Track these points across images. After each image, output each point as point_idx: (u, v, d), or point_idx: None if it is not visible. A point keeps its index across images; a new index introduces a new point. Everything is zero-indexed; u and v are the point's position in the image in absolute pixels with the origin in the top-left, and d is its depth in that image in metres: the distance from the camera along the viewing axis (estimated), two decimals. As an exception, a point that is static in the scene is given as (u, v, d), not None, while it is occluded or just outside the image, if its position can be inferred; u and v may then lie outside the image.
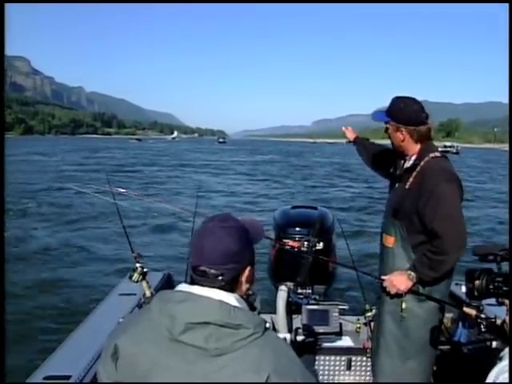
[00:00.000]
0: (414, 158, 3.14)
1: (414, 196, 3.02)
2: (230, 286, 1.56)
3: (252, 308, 1.61)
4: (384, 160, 3.57)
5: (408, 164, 3.18)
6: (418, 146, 3.13)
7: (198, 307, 1.46)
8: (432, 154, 3.08)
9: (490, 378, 1.48)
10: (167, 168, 43.03)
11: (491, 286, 1.89)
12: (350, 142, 4.00)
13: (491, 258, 1.97)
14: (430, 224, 2.94)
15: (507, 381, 1.41)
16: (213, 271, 1.53)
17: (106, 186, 4.01)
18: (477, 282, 1.93)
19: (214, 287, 1.53)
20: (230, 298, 1.52)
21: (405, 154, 3.20)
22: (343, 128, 4.10)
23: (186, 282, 1.62)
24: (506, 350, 1.54)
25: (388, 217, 3.28)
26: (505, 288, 1.81)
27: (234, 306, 1.49)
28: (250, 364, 1.42)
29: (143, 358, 1.47)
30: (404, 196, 3.10)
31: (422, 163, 3.06)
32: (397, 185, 3.26)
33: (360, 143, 3.93)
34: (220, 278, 1.53)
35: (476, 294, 1.96)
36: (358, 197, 24.94)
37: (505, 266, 1.95)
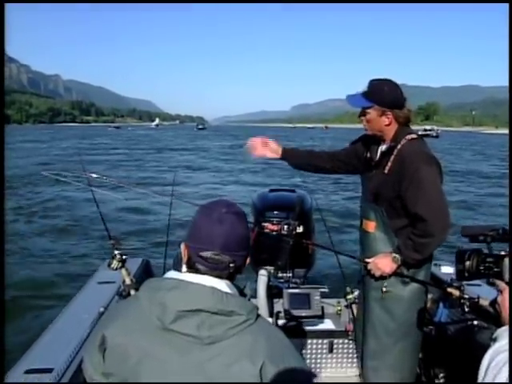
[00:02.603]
0: (388, 141, 3.08)
1: (393, 180, 2.97)
2: (237, 273, 1.56)
3: (242, 294, 1.58)
4: (340, 159, 3.47)
5: (383, 148, 3.12)
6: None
7: (189, 294, 1.42)
8: (409, 136, 3.01)
9: (486, 360, 1.45)
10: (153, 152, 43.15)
11: (482, 267, 1.87)
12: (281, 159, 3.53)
13: (481, 238, 1.94)
14: (413, 208, 2.91)
15: (504, 361, 1.39)
16: (227, 258, 1.50)
17: (82, 172, 3.95)
18: (467, 263, 1.90)
19: (208, 274, 1.50)
20: (222, 285, 1.50)
21: (383, 138, 3.12)
22: (249, 145, 3.53)
23: (164, 267, 1.59)
24: (499, 330, 1.52)
25: (367, 202, 3.23)
26: (496, 269, 1.79)
27: (226, 293, 1.46)
28: (244, 351, 1.40)
29: (133, 349, 1.43)
30: (383, 181, 3.05)
31: (399, 146, 3.00)
32: (374, 170, 3.19)
33: (294, 155, 3.59)
34: (232, 264, 1.51)
35: (466, 274, 1.94)
36: (337, 179, 25.07)
37: (495, 247, 1.93)
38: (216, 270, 1.51)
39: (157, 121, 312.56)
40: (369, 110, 3.03)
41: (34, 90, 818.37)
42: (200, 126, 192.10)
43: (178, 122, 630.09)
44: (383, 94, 2.99)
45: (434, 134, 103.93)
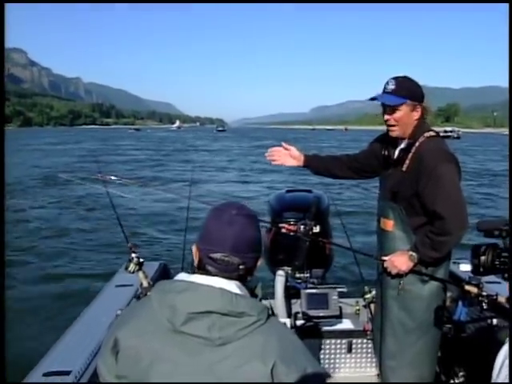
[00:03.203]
0: (406, 138, 3.06)
1: (412, 178, 2.95)
2: (247, 275, 1.55)
3: (253, 295, 1.58)
4: (363, 162, 3.47)
5: (402, 145, 3.10)
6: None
7: (199, 296, 1.43)
8: (427, 134, 3.00)
9: (500, 357, 1.45)
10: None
11: (497, 262, 1.87)
12: (304, 166, 3.53)
13: (496, 233, 1.92)
14: (431, 206, 2.89)
15: None
16: (236, 260, 1.50)
17: (99, 175, 3.97)
18: (482, 258, 1.90)
19: (219, 276, 1.51)
20: (232, 286, 1.50)
21: (402, 136, 3.09)
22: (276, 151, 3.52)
23: (182, 270, 1.59)
24: None
25: (385, 200, 3.20)
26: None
27: (236, 294, 1.46)
28: (255, 352, 1.40)
29: (144, 351, 1.44)
30: (402, 179, 3.03)
31: (417, 144, 2.98)
32: (392, 168, 3.18)
33: (316, 162, 3.56)
34: (241, 266, 1.51)
35: (482, 270, 1.93)
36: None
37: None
38: (226, 272, 1.51)
39: (177, 123, 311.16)
40: (400, 108, 2.99)
41: (55, 92, 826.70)
42: (220, 128, 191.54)
43: (198, 124, 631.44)
44: (413, 89, 3.00)
45: (455, 136, 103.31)
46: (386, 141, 3.25)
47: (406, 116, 3.00)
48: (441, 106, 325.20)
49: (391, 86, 2.97)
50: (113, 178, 3.81)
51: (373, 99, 3.06)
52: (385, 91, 3.00)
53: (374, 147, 3.40)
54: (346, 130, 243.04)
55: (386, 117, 3.05)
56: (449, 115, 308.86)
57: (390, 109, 3.01)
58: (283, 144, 3.49)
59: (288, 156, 3.48)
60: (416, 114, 3.01)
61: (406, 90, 2.97)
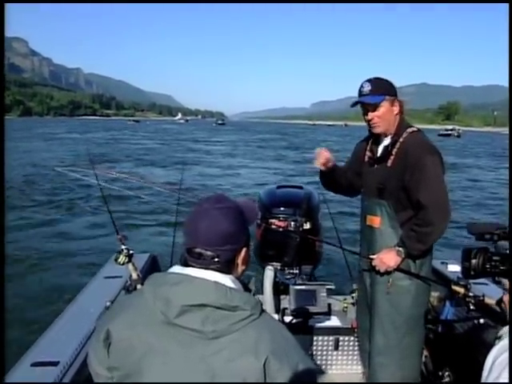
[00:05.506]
0: (390, 135, 3.15)
1: (398, 172, 3.03)
2: (226, 268, 1.53)
3: (247, 289, 1.58)
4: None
5: (386, 142, 3.17)
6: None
7: (193, 289, 1.43)
8: (409, 130, 3.11)
9: (490, 358, 1.45)
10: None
11: (488, 265, 1.87)
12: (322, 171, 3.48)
13: (488, 236, 1.93)
14: (415, 195, 2.97)
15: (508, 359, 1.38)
16: (209, 253, 1.50)
17: (90, 167, 3.98)
18: (473, 261, 1.90)
19: (209, 269, 1.50)
20: (226, 280, 1.49)
21: (385, 134, 3.16)
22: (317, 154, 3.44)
23: (171, 263, 1.59)
24: (505, 329, 1.51)
25: (370, 198, 3.25)
26: (502, 267, 1.79)
27: (230, 288, 1.46)
28: (247, 346, 1.40)
29: (137, 343, 1.44)
30: (388, 174, 3.10)
31: (401, 139, 3.08)
32: (376, 165, 3.23)
33: (335, 173, 3.49)
34: (216, 259, 1.50)
35: (472, 273, 1.93)
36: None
37: (502, 245, 1.92)
38: (202, 265, 1.50)
39: (179, 115, 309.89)
40: (382, 104, 3.08)
41: (55, 82, 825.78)
42: (219, 122, 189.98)
43: (199, 116, 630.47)
44: (387, 85, 3.11)
45: (456, 134, 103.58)
46: (366, 143, 3.36)
47: (387, 111, 3.09)
48: (442, 104, 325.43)
49: (368, 88, 3.06)
50: (106, 171, 3.82)
51: (355, 104, 3.18)
52: (362, 94, 3.08)
53: (356, 151, 3.50)
54: (345, 125, 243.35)
55: (370, 115, 3.12)
56: (449, 113, 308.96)
57: (372, 108, 3.10)
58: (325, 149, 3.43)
59: (328, 158, 3.37)
60: (396, 109, 3.11)
61: (382, 87, 3.09)
